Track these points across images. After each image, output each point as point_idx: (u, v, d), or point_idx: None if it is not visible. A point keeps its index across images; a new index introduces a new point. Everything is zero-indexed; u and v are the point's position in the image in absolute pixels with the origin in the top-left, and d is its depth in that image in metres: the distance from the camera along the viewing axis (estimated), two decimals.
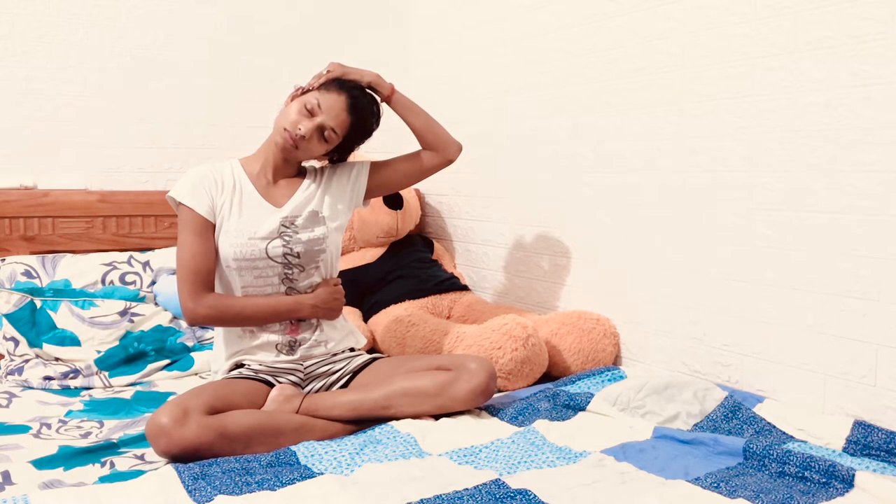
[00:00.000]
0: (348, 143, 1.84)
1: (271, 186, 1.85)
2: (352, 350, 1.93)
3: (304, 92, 1.80)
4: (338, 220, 1.88)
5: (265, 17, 2.91)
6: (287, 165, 1.86)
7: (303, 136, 1.75)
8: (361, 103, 1.81)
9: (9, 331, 2.22)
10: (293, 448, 1.54)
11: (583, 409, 1.80)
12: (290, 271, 1.80)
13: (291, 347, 1.82)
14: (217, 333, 1.87)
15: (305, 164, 1.93)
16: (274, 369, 1.81)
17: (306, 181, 1.88)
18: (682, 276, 2.07)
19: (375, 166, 1.95)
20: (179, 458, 1.49)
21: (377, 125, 1.87)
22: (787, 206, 1.80)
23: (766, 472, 1.44)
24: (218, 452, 1.52)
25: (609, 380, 1.99)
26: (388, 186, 1.98)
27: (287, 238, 1.79)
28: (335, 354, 1.88)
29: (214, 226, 1.78)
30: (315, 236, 1.82)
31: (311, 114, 1.76)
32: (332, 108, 1.77)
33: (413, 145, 1.98)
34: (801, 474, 1.40)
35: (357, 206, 1.95)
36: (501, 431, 1.67)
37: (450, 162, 1.98)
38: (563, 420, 1.75)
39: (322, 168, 1.93)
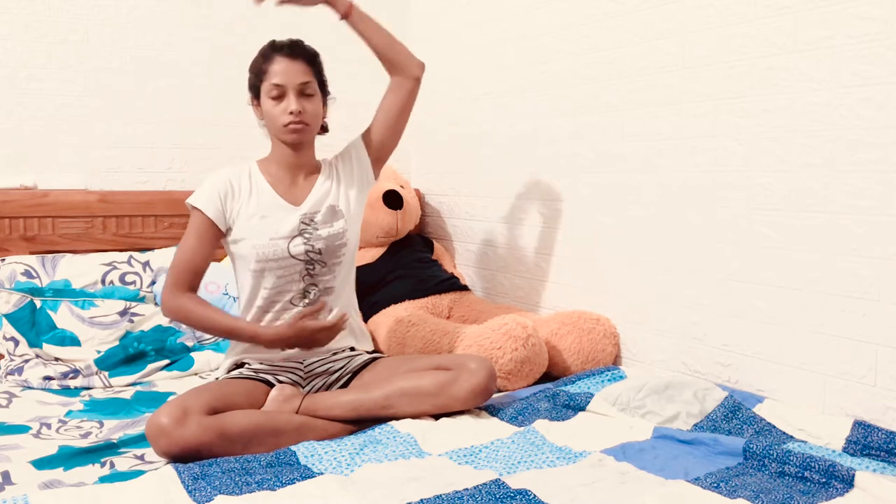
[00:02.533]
0: (321, 79, 1.85)
1: (289, 185, 1.86)
2: (352, 349, 1.93)
3: (260, 82, 1.80)
4: (354, 210, 1.90)
5: (265, 17, 2.91)
6: (300, 159, 1.86)
7: (300, 111, 1.77)
8: (298, 49, 1.81)
9: (9, 331, 2.22)
10: (293, 448, 1.54)
11: (583, 409, 1.80)
12: (311, 267, 1.81)
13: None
14: None
15: (319, 158, 1.94)
16: (275, 367, 1.81)
17: (321, 177, 1.89)
18: (682, 276, 2.07)
19: (364, 135, 1.96)
20: (179, 458, 1.49)
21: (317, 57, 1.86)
22: (787, 206, 1.80)
23: (766, 472, 1.44)
24: (218, 452, 1.52)
25: (609, 380, 1.99)
26: (383, 144, 1.95)
27: (307, 235, 1.80)
28: (335, 353, 1.88)
29: (221, 233, 1.79)
30: (335, 231, 1.83)
31: (281, 94, 1.77)
32: (288, 71, 1.77)
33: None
34: (801, 474, 1.40)
35: (370, 184, 1.95)
36: (501, 431, 1.67)
37: (416, 82, 1.94)
38: (563, 420, 1.75)
39: (333, 161, 1.94)
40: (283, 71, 1.77)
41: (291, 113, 1.76)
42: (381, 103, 1.96)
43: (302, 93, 1.78)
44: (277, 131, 1.80)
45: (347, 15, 1.88)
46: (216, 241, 1.80)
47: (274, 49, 1.80)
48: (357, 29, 1.91)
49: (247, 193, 1.82)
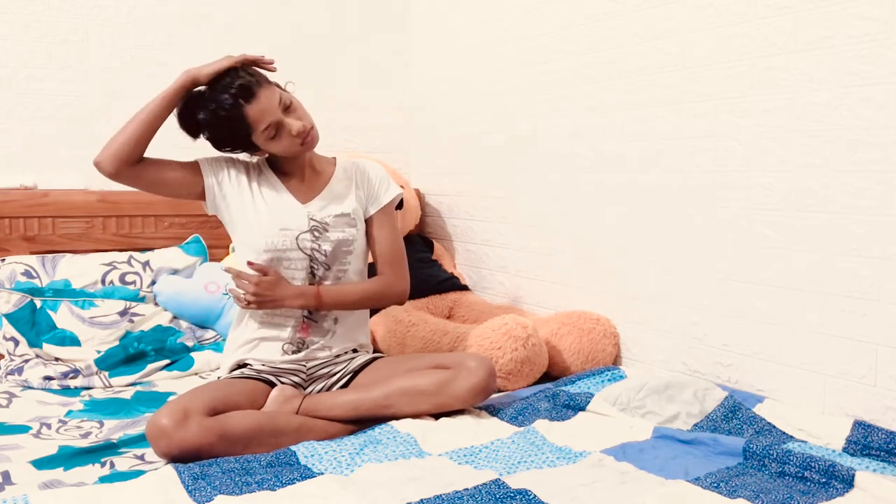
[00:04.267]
0: (277, 85, 1.81)
1: (297, 182, 1.87)
2: (354, 351, 1.93)
3: (249, 138, 1.77)
4: (365, 225, 1.90)
5: (264, 17, 2.91)
6: (305, 159, 1.87)
7: (304, 126, 1.76)
8: (246, 84, 1.73)
9: (9, 331, 2.22)
10: (293, 448, 1.54)
11: (583, 409, 1.80)
12: (315, 266, 1.82)
13: (298, 349, 1.83)
14: (231, 322, 1.88)
15: (339, 164, 1.94)
16: (277, 369, 1.81)
17: (334, 180, 1.90)
18: (682, 276, 2.07)
19: (374, 220, 1.91)
20: (179, 458, 1.50)
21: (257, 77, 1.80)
22: (787, 206, 1.80)
23: (766, 472, 1.44)
24: (218, 453, 1.52)
25: (609, 380, 1.99)
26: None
27: (317, 234, 1.81)
28: (338, 356, 1.88)
29: (199, 179, 1.83)
30: (345, 237, 1.83)
31: (277, 128, 1.74)
32: (263, 107, 1.72)
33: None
34: (801, 474, 1.40)
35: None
36: (501, 431, 1.67)
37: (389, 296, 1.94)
38: (563, 420, 1.75)
39: (355, 170, 1.93)
40: (260, 111, 1.72)
41: (298, 134, 1.75)
42: (376, 252, 1.92)
43: (286, 110, 1.76)
44: (296, 154, 1.81)
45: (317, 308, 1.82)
46: (185, 176, 1.82)
47: (234, 106, 1.72)
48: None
49: (256, 174, 1.85)
